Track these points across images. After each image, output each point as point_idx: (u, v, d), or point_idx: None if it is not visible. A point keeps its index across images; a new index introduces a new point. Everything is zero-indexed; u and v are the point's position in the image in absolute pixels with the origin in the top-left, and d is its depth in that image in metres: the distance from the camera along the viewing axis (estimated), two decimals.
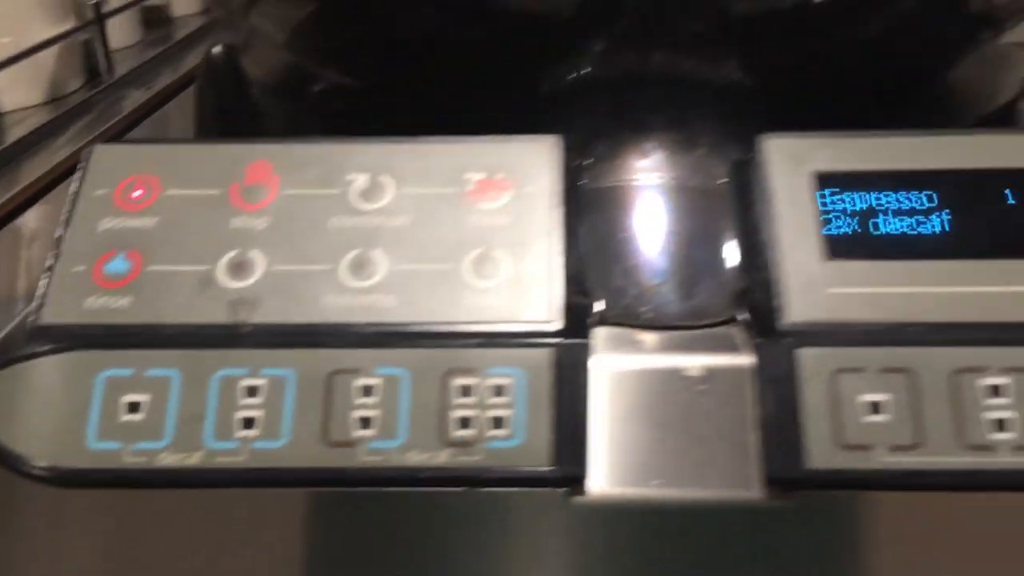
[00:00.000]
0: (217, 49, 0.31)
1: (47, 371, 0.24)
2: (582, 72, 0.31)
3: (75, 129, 0.40)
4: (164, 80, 0.47)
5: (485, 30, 0.30)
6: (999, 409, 0.24)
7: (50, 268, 0.25)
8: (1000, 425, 0.23)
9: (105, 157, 0.28)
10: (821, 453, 0.23)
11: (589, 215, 0.28)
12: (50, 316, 0.25)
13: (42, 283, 0.25)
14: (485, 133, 0.28)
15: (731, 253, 0.27)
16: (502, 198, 0.27)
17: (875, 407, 0.24)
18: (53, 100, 0.43)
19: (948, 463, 0.23)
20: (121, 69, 0.47)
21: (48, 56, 0.42)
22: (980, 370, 0.24)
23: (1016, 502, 0.23)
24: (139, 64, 0.49)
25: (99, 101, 0.43)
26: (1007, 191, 0.27)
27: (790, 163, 0.27)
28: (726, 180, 0.29)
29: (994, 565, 0.24)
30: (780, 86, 0.32)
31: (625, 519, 0.24)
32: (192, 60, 0.51)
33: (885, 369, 0.24)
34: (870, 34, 0.31)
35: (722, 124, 0.31)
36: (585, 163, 0.30)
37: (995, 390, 0.24)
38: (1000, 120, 0.37)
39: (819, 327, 0.25)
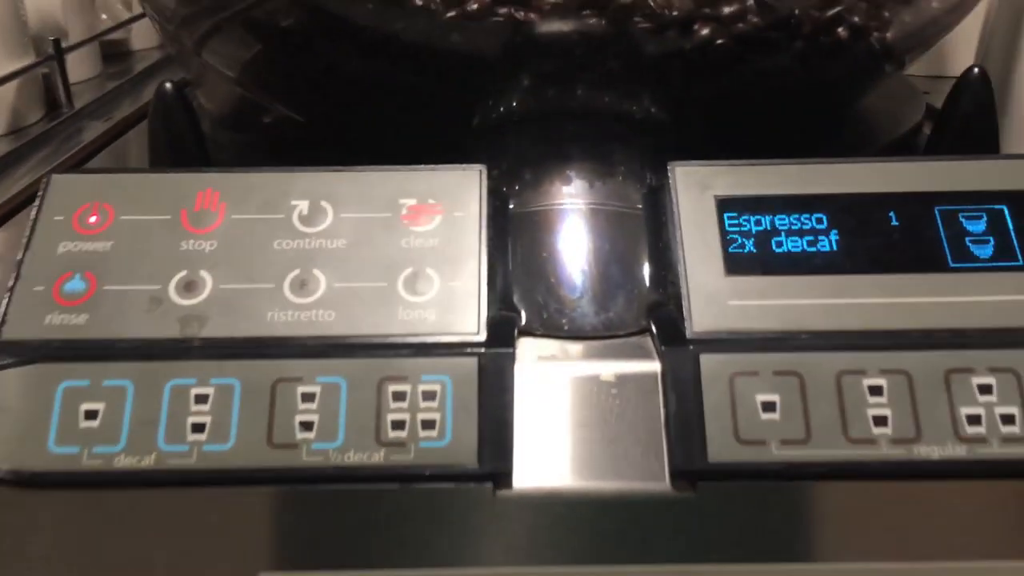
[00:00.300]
0: (167, 84, 0.33)
1: (10, 382, 0.26)
2: (510, 107, 0.34)
3: (35, 159, 0.42)
4: (123, 112, 0.48)
5: (419, 71, 0.33)
6: (878, 407, 0.26)
7: (11, 288, 0.27)
8: (880, 421, 0.26)
9: (62, 185, 0.30)
10: (721, 448, 0.26)
11: (515, 237, 0.31)
12: (12, 332, 0.27)
13: (3, 302, 0.27)
14: (422, 163, 0.30)
15: (643, 270, 0.30)
16: (433, 222, 0.29)
17: (769, 406, 0.26)
18: (14, 131, 0.45)
19: (834, 455, 0.26)
20: (80, 101, 0.49)
21: (8, 89, 0.44)
22: (862, 372, 0.27)
23: (895, 490, 0.26)
24: (98, 96, 0.50)
25: (59, 132, 0.45)
26: (891, 213, 0.30)
27: (696, 189, 0.30)
28: (640, 206, 0.32)
29: (876, 547, 0.27)
30: (692, 119, 0.35)
31: (547, 511, 0.26)
32: (151, 92, 0.53)
33: (777, 372, 0.27)
34: (774, 72, 0.34)
35: (638, 153, 0.33)
36: (512, 189, 0.32)
37: (875, 390, 0.27)
38: (904, 144, 0.40)
39: (720, 335, 0.27)
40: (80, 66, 0.54)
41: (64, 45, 0.49)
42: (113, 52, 0.61)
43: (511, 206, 0.32)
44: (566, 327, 0.29)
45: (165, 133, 0.33)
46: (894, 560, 0.27)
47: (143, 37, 0.64)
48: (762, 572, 0.27)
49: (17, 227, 0.37)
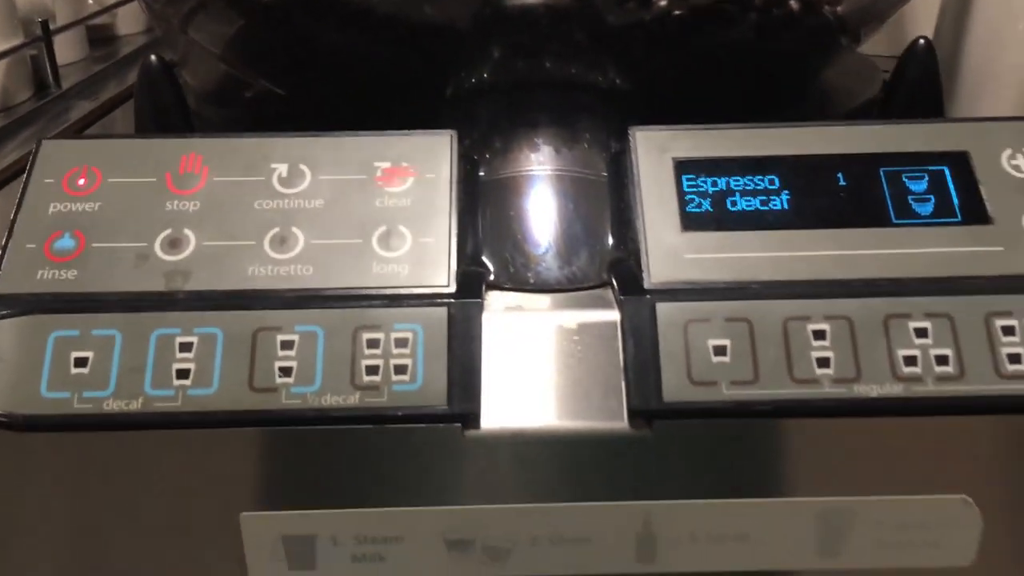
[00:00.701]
0: (153, 57, 0.35)
1: (4, 333, 0.27)
2: (481, 78, 0.35)
3: (24, 136, 0.44)
4: (109, 93, 0.50)
5: (393, 42, 0.34)
6: (822, 350, 0.28)
7: (4, 246, 0.29)
8: (823, 363, 0.28)
9: (52, 150, 0.31)
10: (675, 389, 0.27)
11: (484, 200, 0.33)
12: (5, 287, 0.28)
13: None
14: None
15: (606, 229, 0.32)
16: (406, 183, 0.31)
17: (720, 350, 0.28)
18: (3, 110, 0.46)
19: (780, 394, 0.27)
20: (68, 82, 0.51)
21: None
22: (807, 318, 0.28)
23: (837, 426, 0.28)
24: (85, 77, 0.52)
25: (47, 111, 0.47)
26: (839, 174, 0.31)
27: (655, 152, 0.31)
28: (605, 173, 0.33)
29: (820, 482, 0.28)
30: (655, 89, 0.36)
31: (513, 449, 0.28)
32: (136, 75, 0.54)
33: (729, 319, 0.28)
34: (731, 43, 0.36)
35: (603, 122, 0.35)
36: (483, 157, 0.34)
37: (819, 334, 0.28)
38: (860, 116, 0.42)
39: (675, 286, 0.29)
40: (67, 49, 0.55)
41: (52, 27, 0.50)
42: (99, 37, 0.62)
43: (481, 174, 0.34)
44: (532, 281, 0.31)
45: (150, 104, 0.35)
46: (837, 494, 0.29)
47: (129, 22, 0.65)
48: (715, 507, 0.29)
49: (5, 198, 0.39)
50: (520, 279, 0.31)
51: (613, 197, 0.32)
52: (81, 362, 0.27)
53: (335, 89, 0.37)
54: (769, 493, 0.29)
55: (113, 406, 0.27)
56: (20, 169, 0.39)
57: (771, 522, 0.29)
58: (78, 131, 0.45)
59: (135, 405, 0.27)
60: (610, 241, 0.32)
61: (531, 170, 0.34)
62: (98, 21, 0.61)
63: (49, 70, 0.49)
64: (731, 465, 0.28)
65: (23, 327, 0.27)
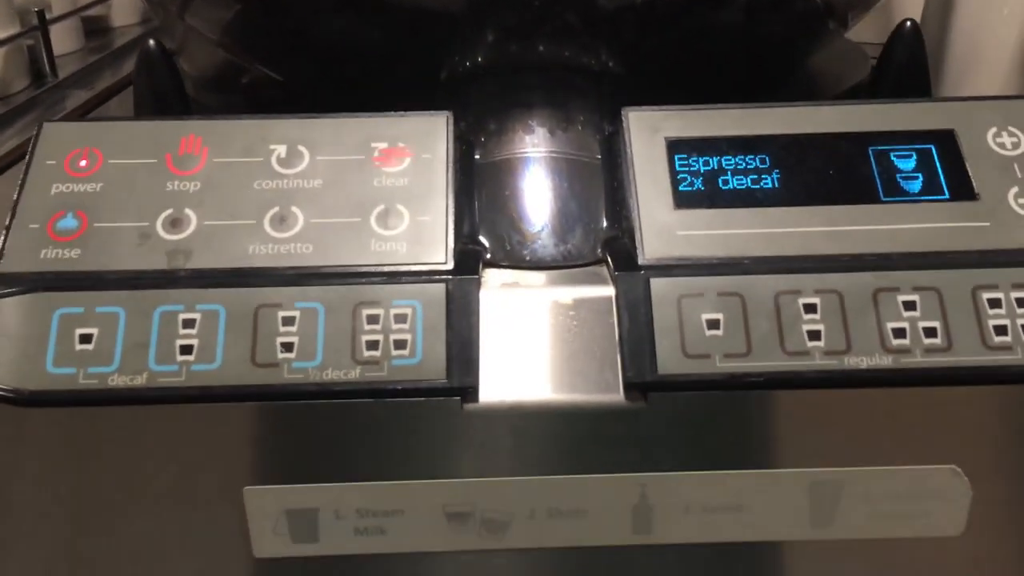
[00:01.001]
0: (151, 41, 0.35)
1: (9, 310, 0.28)
2: (475, 61, 0.36)
3: (21, 124, 0.44)
4: (104, 82, 0.50)
5: (389, 27, 0.35)
6: (812, 323, 0.29)
7: (8, 226, 0.29)
8: (813, 335, 0.29)
9: (54, 133, 0.31)
10: (670, 361, 0.28)
11: (480, 181, 0.33)
12: (9, 265, 0.28)
13: (1, 240, 0.29)
14: None
15: (600, 209, 0.32)
16: (403, 163, 0.31)
17: (713, 324, 0.29)
18: (1, 98, 0.46)
19: (772, 366, 0.28)
20: (64, 72, 0.51)
21: None
22: (797, 292, 0.29)
23: (828, 397, 0.28)
24: (81, 67, 0.52)
25: (44, 100, 0.47)
26: (828, 153, 0.32)
27: (648, 132, 0.32)
28: (599, 156, 0.34)
29: (811, 452, 0.29)
30: (647, 70, 0.37)
31: (510, 422, 0.28)
32: (131, 65, 0.54)
33: (721, 293, 0.29)
34: (721, 25, 0.36)
35: (596, 105, 0.35)
36: (478, 140, 0.34)
37: (809, 308, 0.29)
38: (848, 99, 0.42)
39: (669, 262, 0.29)
40: (63, 40, 0.55)
41: (48, 17, 0.50)
42: (94, 28, 0.62)
43: (477, 156, 0.34)
44: (528, 258, 0.31)
45: (149, 88, 0.35)
46: (828, 465, 0.29)
47: (123, 14, 0.65)
48: (710, 478, 0.29)
49: (4, 184, 0.39)
50: (516, 257, 0.31)
51: (607, 177, 0.33)
52: (86, 338, 0.27)
53: (331, 73, 0.37)
54: (762, 464, 0.29)
55: (118, 381, 0.27)
56: (19, 156, 0.40)
57: (764, 493, 0.29)
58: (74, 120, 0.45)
59: (139, 380, 0.27)
60: (604, 220, 0.32)
61: (526, 152, 0.34)
62: (93, 12, 0.61)
63: (46, 59, 0.50)
64: (725, 437, 0.29)
65: (28, 304, 0.28)
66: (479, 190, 0.33)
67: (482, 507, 0.29)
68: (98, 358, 0.27)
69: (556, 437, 0.29)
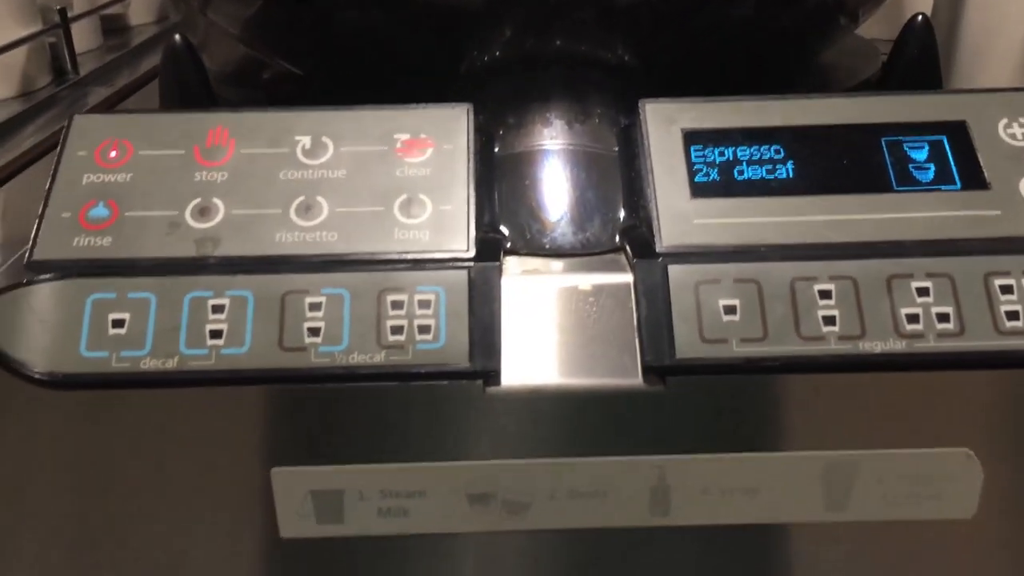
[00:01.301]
0: (177, 36, 0.36)
1: (43, 296, 0.28)
2: (494, 56, 0.36)
3: (43, 119, 0.45)
4: (124, 79, 0.51)
5: (409, 22, 0.36)
6: (827, 308, 0.29)
7: (41, 215, 0.30)
8: (828, 321, 0.29)
9: (84, 125, 0.32)
10: (687, 346, 0.29)
11: (500, 173, 0.34)
12: (43, 253, 0.29)
13: (35, 228, 0.30)
14: None
15: (618, 199, 0.33)
16: (425, 154, 0.32)
17: (730, 310, 0.29)
18: (24, 94, 0.47)
19: (788, 351, 0.29)
20: (85, 69, 0.52)
21: (18, 55, 0.47)
22: (813, 279, 0.30)
23: (843, 381, 0.29)
24: (101, 64, 0.53)
25: (65, 96, 0.48)
26: (842, 144, 0.33)
27: (664, 123, 0.33)
28: (616, 148, 0.35)
29: (828, 435, 0.30)
30: (662, 64, 0.37)
31: (532, 405, 0.29)
32: (148, 63, 0.55)
33: (738, 280, 0.30)
34: (734, 20, 0.37)
35: (613, 98, 0.36)
36: (497, 133, 0.35)
37: (824, 294, 0.29)
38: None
39: (686, 249, 0.30)
40: (83, 38, 0.56)
41: (69, 15, 0.51)
42: (112, 27, 0.63)
43: (496, 149, 0.35)
44: (547, 246, 0.32)
45: (175, 82, 0.36)
46: (842, 448, 0.30)
47: (141, 13, 0.66)
48: (727, 461, 0.30)
49: (25, 181, 0.40)
50: (536, 245, 0.32)
51: (624, 168, 0.34)
52: (118, 323, 0.28)
53: (351, 68, 0.38)
54: (777, 447, 0.30)
55: (150, 365, 0.28)
56: (42, 152, 0.40)
57: (780, 476, 0.30)
58: None
59: (171, 364, 0.28)
60: (622, 210, 0.33)
61: (544, 144, 0.35)
62: (112, 11, 0.62)
63: (67, 57, 0.50)
64: (741, 420, 0.29)
65: (62, 290, 0.29)
66: (499, 181, 0.34)
67: (503, 488, 0.30)
68: (130, 342, 0.28)
69: (576, 420, 0.29)
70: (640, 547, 0.31)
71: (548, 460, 0.30)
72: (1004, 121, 0.32)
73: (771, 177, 0.32)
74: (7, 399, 0.28)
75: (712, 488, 0.30)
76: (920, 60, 0.37)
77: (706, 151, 0.32)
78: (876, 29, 0.50)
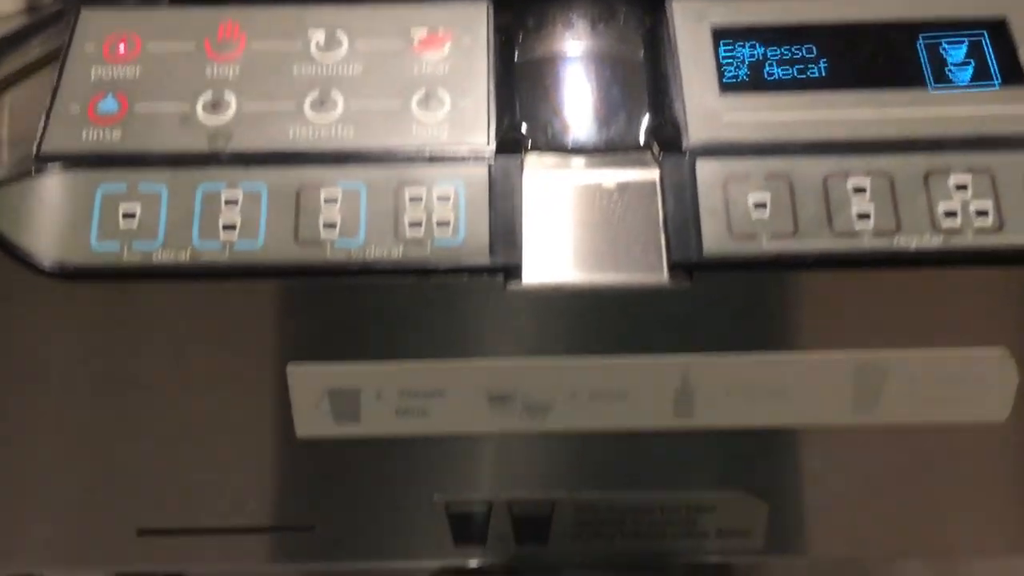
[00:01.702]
0: None
1: (52, 186, 0.28)
2: None
3: (49, 32, 0.44)
4: None
5: None
6: (861, 204, 0.28)
7: (49, 108, 0.29)
8: (862, 216, 0.28)
9: (92, 19, 0.31)
10: (715, 242, 0.28)
11: (521, 74, 0.33)
12: (52, 145, 0.28)
13: (43, 121, 0.29)
14: None
15: (643, 98, 0.32)
16: (444, 49, 0.31)
17: (760, 205, 0.28)
18: (29, 9, 0.46)
19: (820, 246, 0.28)
20: None
21: None
22: (846, 175, 0.28)
23: (875, 277, 0.28)
24: None
25: (72, 10, 0.46)
26: (877, 42, 0.31)
27: (693, 19, 0.31)
28: (642, 49, 0.33)
29: (858, 335, 0.29)
30: None
31: (553, 302, 0.28)
32: None
33: (768, 176, 0.29)
34: None
35: None
36: (517, 37, 0.34)
37: (859, 190, 0.28)
38: None
39: (714, 145, 0.29)
40: None
41: None
42: None
43: (516, 51, 0.34)
44: (570, 144, 0.31)
45: None
46: (874, 347, 0.29)
47: None
48: (753, 360, 0.29)
49: (33, 86, 0.39)
50: (559, 143, 0.31)
51: (649, 69, 0.32)
52: (129, 215, 0.27)
53: None
54: (806, 347, 0.29)
55: (162, 257, 0.27)
56: (48, 61, 0.39)
57: (808, 376, 0.29)
58: None
59: (184, 257, 0.27)
60: (647, 110, 0.32)
61: (566, 45, 0.34)
62: None
63: None
64: (769, 319, 0.29)
65: (71, 181, 0.28)
66: (520, 82, 0.32)
67: (524, 389, 0.29)
68: (142, 234, 0.27)
69: (599, 318, 0.28)
70: (664, 450, 0.30)
71: (570, 359, 0.29)
72: None
73: (803, 75, 0.31)
74: (16, 291, 0.27)
75: (738, 389, 0.29)
76: None
77: (736, 48, 0.31)
78: None
